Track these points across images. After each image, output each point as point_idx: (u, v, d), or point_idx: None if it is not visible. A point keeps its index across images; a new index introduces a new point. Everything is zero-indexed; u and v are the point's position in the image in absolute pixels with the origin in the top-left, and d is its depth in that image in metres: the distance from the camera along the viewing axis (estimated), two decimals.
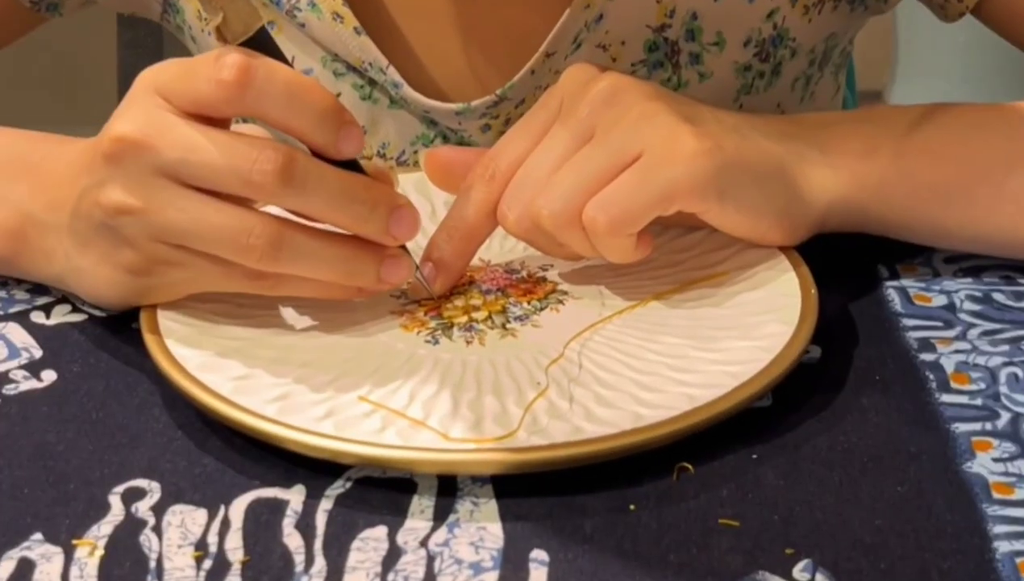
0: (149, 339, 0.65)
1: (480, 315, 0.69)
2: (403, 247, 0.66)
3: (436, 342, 0.67)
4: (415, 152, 0.85)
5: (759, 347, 0.64)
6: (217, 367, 0.63)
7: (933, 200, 0.72)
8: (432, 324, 0.68)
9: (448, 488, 0.59)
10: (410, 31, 0.83)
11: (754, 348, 0.64)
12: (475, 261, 0.72)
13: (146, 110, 0.62)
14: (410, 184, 0.79)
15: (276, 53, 0.62)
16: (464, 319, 0.68)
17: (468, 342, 0.67)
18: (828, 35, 0.86)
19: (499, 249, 0.73)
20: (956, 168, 0.72)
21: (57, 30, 1.02)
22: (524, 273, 0.72)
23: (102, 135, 0.63)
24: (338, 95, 0.84)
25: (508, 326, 0.68)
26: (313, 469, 0.59)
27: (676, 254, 0.72)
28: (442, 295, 0.69)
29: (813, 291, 0.67)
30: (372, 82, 0.83)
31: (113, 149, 0.62)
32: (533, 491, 0.58)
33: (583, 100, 0.67)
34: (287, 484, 0.59)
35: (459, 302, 0.70)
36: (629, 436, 0.58)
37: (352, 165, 0.64)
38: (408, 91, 0.82)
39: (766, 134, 0.70)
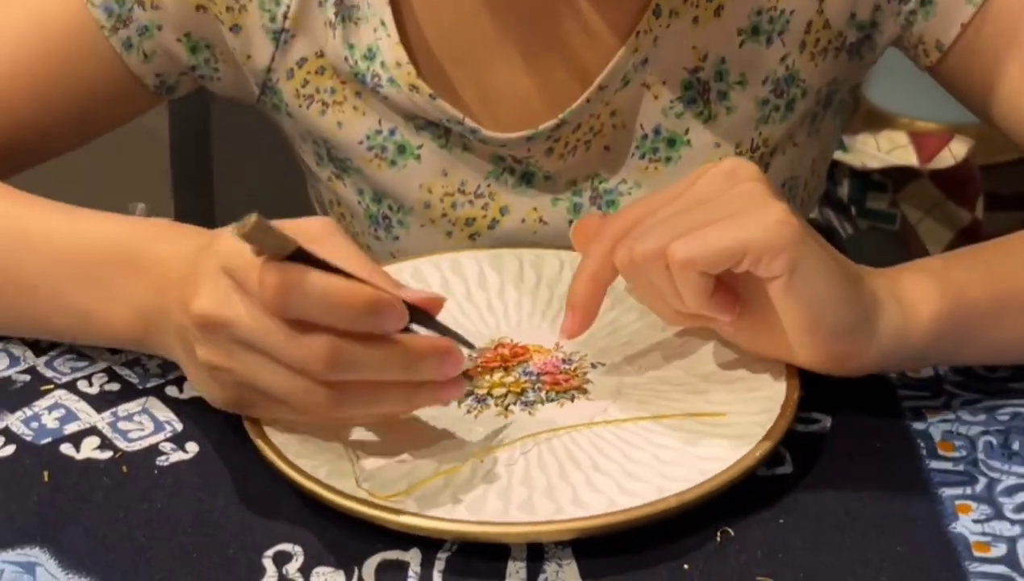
0: (265, 451, 0.76)
1: (499, 392, 0.81)
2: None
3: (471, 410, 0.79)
4: (488, 185, 1.00)
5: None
6: (341, 473, 0.76)
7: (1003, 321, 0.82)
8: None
9: (536, 551, 0.73)
10: (475, 77, 0.97)
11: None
12: (556, 351, 0.84)
13: (222, 290, 0.72)
14: (447, 263, 0.93)
15: (314, 260, 0.69)
16: (484, 391, 0.81)
17: (469, 411, 0.79)
18: (831, 80, 1.01)
19: (619, 346, 0.85)
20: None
21: None
22: (574, 366, 0.83)
23: (191, 280, 0.74)
24: (420, 146, 0.99)
25: (510, 408, 0.80)
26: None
27: (697, 382, 0.81)
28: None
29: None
30: (447, 132, 0.98)
31: (199, 323, 0.73)
32: (608, 551, 0.72)
33: (704, 176, 0.78)
34: (405, 547, 0.73)
35: (497, 376, 0.82)
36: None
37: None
38: (485, 134, 0.97)
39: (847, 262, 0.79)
